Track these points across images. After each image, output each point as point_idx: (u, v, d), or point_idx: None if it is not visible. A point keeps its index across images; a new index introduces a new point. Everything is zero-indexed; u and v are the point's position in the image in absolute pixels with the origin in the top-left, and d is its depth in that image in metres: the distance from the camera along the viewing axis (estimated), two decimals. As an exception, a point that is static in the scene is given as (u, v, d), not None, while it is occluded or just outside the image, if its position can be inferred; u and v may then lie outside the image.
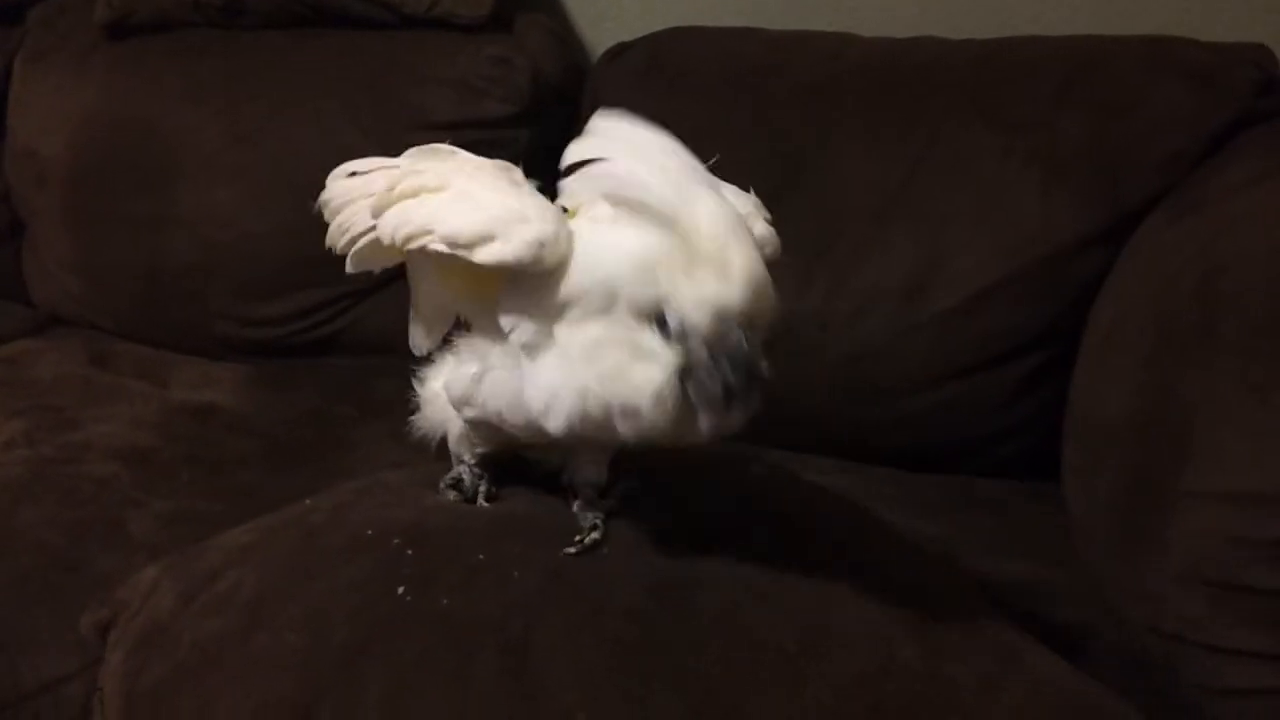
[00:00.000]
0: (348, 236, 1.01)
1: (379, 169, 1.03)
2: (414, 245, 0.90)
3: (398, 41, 1.87)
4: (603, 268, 0.84)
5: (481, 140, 1.77)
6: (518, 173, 0.97)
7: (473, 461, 1.05)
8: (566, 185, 0.87)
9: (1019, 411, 1.54)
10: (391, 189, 0.94)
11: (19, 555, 1.31)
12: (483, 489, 1.03)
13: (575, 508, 1.00)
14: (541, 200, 0.91)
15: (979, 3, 1.84)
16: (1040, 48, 1.64)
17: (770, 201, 1.61)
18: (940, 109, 1.61)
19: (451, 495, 1.03)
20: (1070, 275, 1.50)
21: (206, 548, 1.03)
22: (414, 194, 0.92)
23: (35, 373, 1.80)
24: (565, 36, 1.95)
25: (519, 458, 1.05)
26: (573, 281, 0.86)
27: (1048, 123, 1.55)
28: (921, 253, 1.56)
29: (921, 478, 1.55)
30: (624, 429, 0.84)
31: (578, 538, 0.95)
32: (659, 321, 0.82)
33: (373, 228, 0.96)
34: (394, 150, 1.75)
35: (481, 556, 0.90)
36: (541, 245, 0.85)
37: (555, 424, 0.87)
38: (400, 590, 0.88)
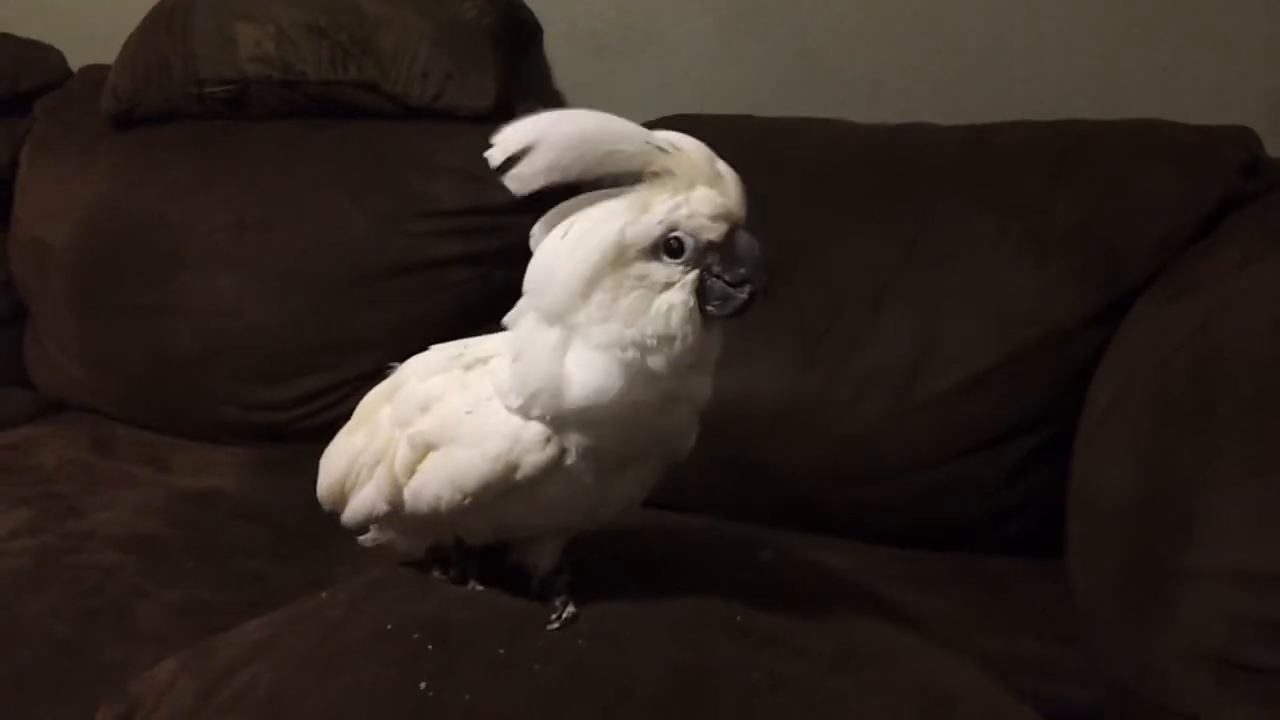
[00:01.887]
0: (365, 514, 1.08)
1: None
2: (451, 510, 0.97)
3: (403, 131, 1.91)
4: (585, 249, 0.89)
5: (485, 226, 1.81)
6: (468, 346, 1.02)
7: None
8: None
9: (1019, 490, 1.56)
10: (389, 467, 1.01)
11: (26, 646, 1.30)
12: (473, 570, 1.06)
13: (534, 588, 1.02)
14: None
15: (967, 89, 1.89)
16: (1029, 132, 1.68)
17: (768, 285, 1.64)
18: (934, 192, 1.64)
19: (436, 573, 1.07)
20: (1066, 355, 1.52)
21: (221, 643, 1.03)
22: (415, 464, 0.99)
23: (38, 459, 1.81)
24: (566, 124, 1.99)
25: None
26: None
27: (1040, 205, 1.58)
28: (919, 334, 1.58)
29: (925, 556, 1.56)
30: (656, 364, 0.89)
31: (554, 615, 0.98)
32: (669, 250, 0.88)
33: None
34: (399, 235, 1.81)
35: (502, 651, 0.91)
36: (547, 442, 0.92)
37: (598, 394, 0.89)
38: (422, 685, 0.88)
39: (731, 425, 1.61)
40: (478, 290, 1.83)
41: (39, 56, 2.30)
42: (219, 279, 1.89)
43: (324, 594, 1.06)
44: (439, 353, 1.04)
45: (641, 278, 0.88)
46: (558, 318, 0.90)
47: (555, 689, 0.87)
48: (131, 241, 1.97)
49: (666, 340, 0.88)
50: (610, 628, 0.96)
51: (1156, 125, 1.63)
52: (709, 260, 0.89)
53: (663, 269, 0.88)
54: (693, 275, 0.89)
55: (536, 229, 0.93)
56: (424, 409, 0.99)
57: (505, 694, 0.87)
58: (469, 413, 0.96)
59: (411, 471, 0.99)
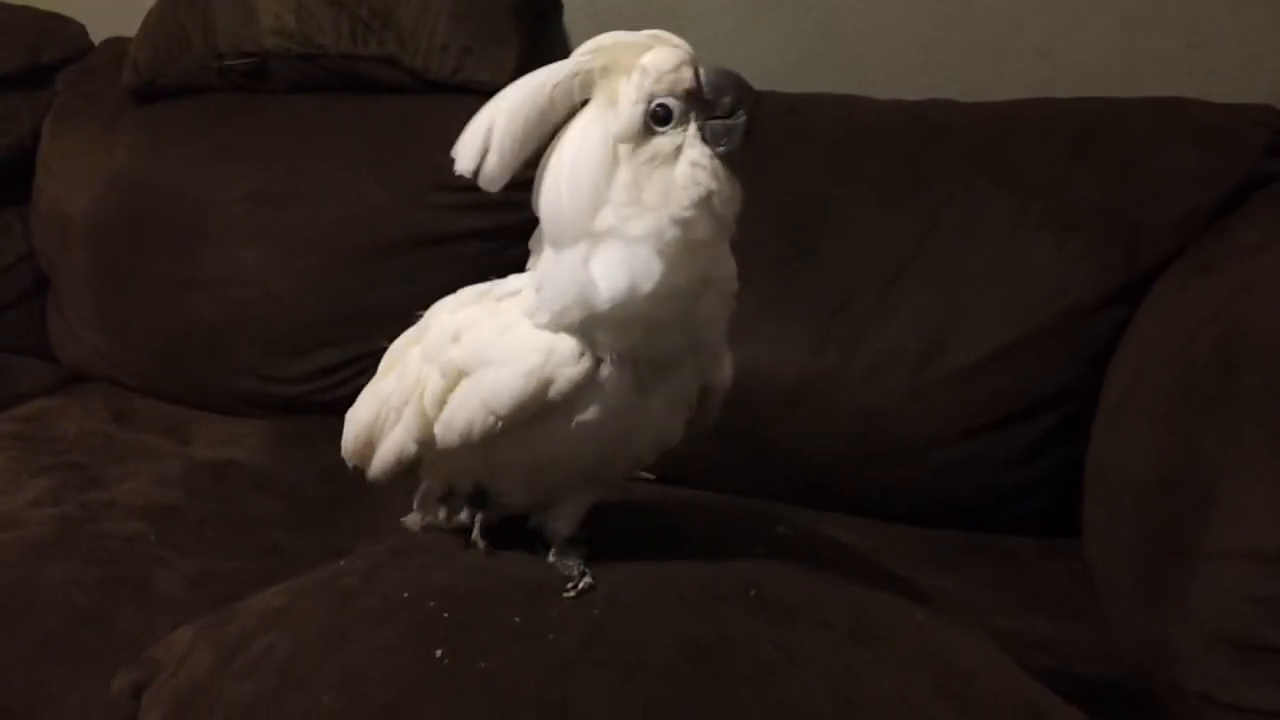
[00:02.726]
0: (394, 458, 1.05)
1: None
2: (483, 435, 0.96)
3: (421, 105, 1.90)
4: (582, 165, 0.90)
5: (503, 201, 1.78)
6: (496, 285, 1.03)
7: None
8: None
9: (1036, 469, 1.55)
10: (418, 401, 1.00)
11: (46, 614, 1.32)
12: (478, 520, 1.05)
13: (551, 556, 1.02)
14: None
15: (989, 65, 1.87)
16: (1051, 109, 1.67)
17: (785, 261, 1.64)
18: (953, 170, 1.64)
19: (457, 515, 1.07)
20: (1086, 334, 1.52)
21: (239, 610, 1.04)
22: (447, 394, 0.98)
23: (59, 430, 1.83)
24: (584, 97, 1.99)
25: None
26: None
27: (1061, 183, 1.57)
28: (937, 313, 1.58)
29: (941, 534, 1.56)
30: (703, 231, 0.89)
31: (570, 584, 0.97)
32: (657, 120, 0.89)
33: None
34: (418, 209, 1.81)
35: (518, 619, 0.91)
36: (581, 355, 0.92)
37: (631, 290, 0.89)
38: (438, 653, 0.88)
39: (747, 402, 1.60)
40: (495, 264, 1.81)
41: (60, 29, 2.30)
42: (239, 252, 1.90)
43: (341, 562, 1.06)
44: (468, 291, 1.04)
45: (651, 159, 0.89)
46: (577, 237, 0.90)
47: (570, 658, 0.88)
48: (152, 214, 1.97)
49: (704, 200, 0.89)
50: (626, 599, 0.96)
51: (1179, 103, 1.62)
52: (694, 110, 0.89)
53: (664, 139, 0.89)
54: (692, 128, 0.89)
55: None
56: (455, 339, 0.98)
57: (520, 662, 0.87)
58: (500, 334, 0.96)
59: (443, 402, 0.97)
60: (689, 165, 0.89)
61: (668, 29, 1.83)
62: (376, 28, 1.89)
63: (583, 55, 0.92)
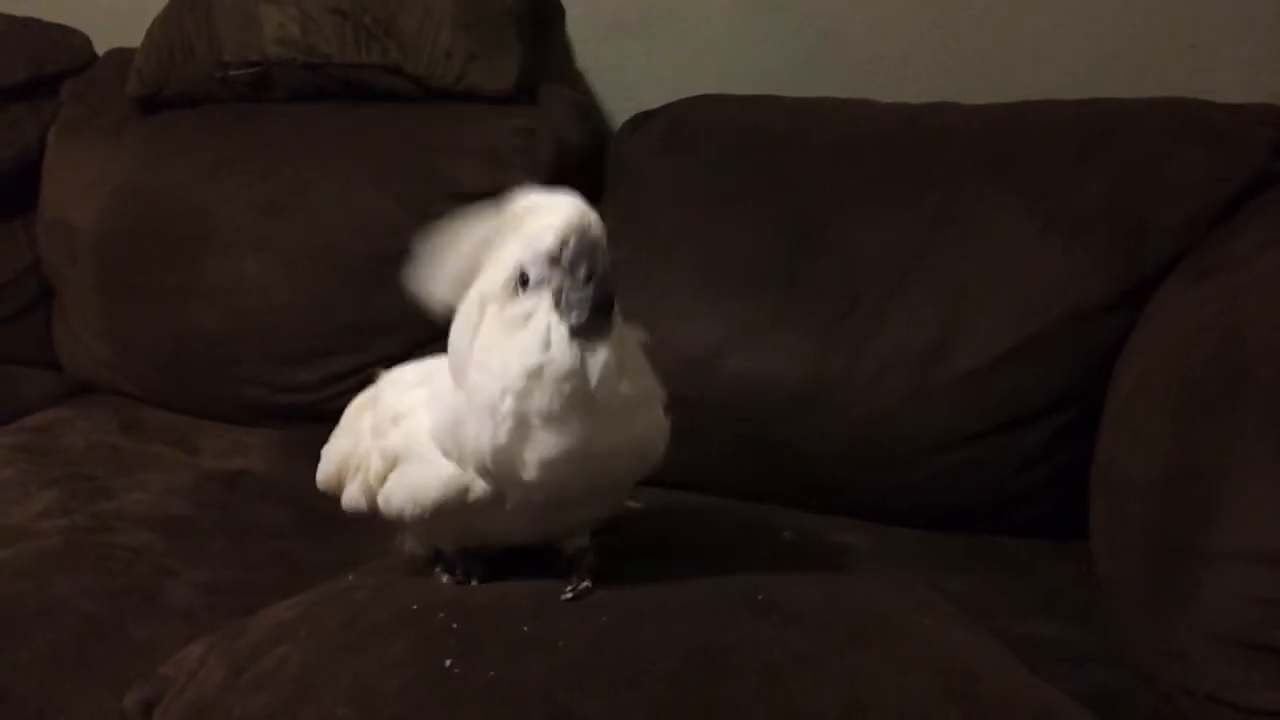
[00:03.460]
0: (354, 509, 1.14)
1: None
2: (414, 522, 1.03)
3: (425, 114, 1.91)
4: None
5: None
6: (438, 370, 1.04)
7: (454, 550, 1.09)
8: None
9: (1042, 472, 1.55)
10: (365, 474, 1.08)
11: (56, 625, 1.32)
12: (476, 571, 1.07)
13: (561, 565, 1.04)
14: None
15: (993, 68, 1.87)
16: (1056, 111, 1.67)
17: (790, 265, 1.65)
18: (958, 173, 1.63)
19: (445, 579, 1.07)
20: (1091, 337, 1.52)
21: (250, 624, 1.05)
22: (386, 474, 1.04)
23: (67, 440, 1.83)
24: (587, 107, 2.00)
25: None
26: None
27: (1066, 185, 1.57)
28: (942, 315, 1.57)
29: (945, 537, 1.56)
30: (540, 405, 0.90)
31: (568, 588, 1.00)
32: (522, 281, 0.91)
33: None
34: (422, 218, 1.80)
35: (526, 629, 0.92)
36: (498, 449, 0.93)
37: (495, 458, 0.92)
38: (448, 664, 0.89)
39: (752, 406, 1.62)
40: (500, 272, 1.83)
41: (65, 40, 2.31)
42: (243, 261, 1.90)
43: (351, 575, 1.07)
44: (416, 369, 1.10)
45: (509, 323, 0.91)
46: (458, 386, 0.94)
47: (578, 666, 0.88)
48: (157, 224, 1.98)
49: (534, 371, 0.89)
50: (633, 605, 0.96)
51: (1184, 104, 1.61)
52: (560, 282, 0.90)
53: (521, 303, 0.90)
54: (547, 297, 0.90)
55: None
56: (395, 422, 1.04)
57: (529, 672, 0.88)
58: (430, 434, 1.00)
59: (383, 480, 1.04)
60: (530, 334, 0.90)
61: (670, 35, 1.84)
62: (379, 36, 1.89)
63: (500, 212, 0.95)
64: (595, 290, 0.89)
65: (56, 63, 2.27)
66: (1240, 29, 1.76)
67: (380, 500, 1.04)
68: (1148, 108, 1.62)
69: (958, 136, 1.68)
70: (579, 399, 0.90)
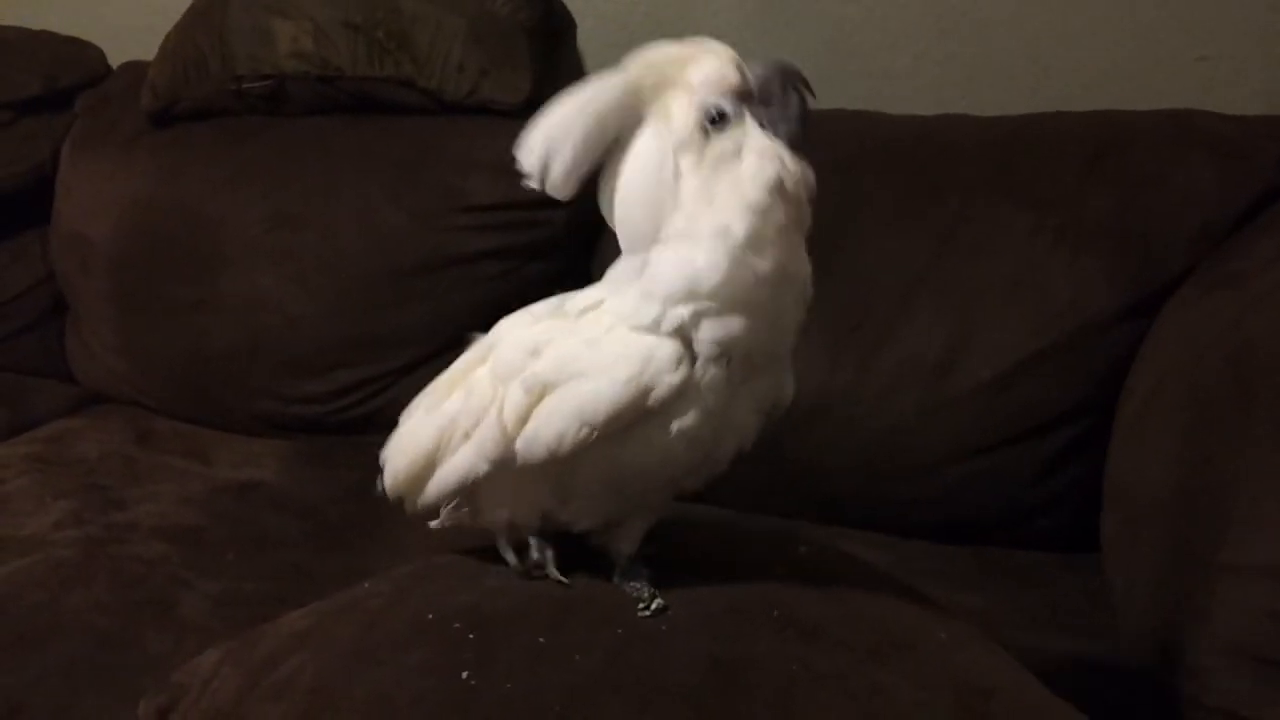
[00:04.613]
0: (458, 481, 1.02)
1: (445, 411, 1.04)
2: (575, 447, 0.94)
3: (438, 126, 1.92)
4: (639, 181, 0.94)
5: (519, 221, 1.83)
6: (567, 300, 1.02)
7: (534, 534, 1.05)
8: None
9: (1054, 484, 1.55)
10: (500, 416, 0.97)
11: (71, 637, 1.33)
12: (550, 556, 1.03)
13: (615, 578, 1.02)
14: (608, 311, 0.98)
15: (1003, 80, 1.88)
16: (1065, 124, 1.68)
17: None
18: (968, 185, 1.64)
19: (517, 568, 1.03)
20: (1102, 349, 1.52)
21: (264, 633, 1.04)
22: (530, 410, 0.96)
23: (81, 452, 1.84)
24: (599, 119, 2.00)
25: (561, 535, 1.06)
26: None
27: (1076, 198, 1.57)
28: (952, 328, 1.58)
29: (958, 550, 1.56)
30: (781, 217, 0.92)
31: (642, 605, 0.97)
32: (715, 123, 0.91)
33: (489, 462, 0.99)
34: (434, 231, 1.82)
35: (542, 640, 0.92)
36: (679, 360, 0.92)
37: (726, 272, 0.91)
38: (464, 675, 0.89)
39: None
40: (512, 284, 1.84)
41: (79, 53, 2.33)
42: (257, 274, 1.91)
43: (366, 584, 1.07)
44: (536, 308, 1.03)
45: (715, 163, 0.92)
46: (653, 245, 0.94)
47: (594, 679, 0.88)
48: (171, 237, 1.99)
49: (776, 185, 0.91)
50: (649, 620, 0.96)
51: (1193, 116, 1.62)
52: (746, 105, 0.92)
53: (724, 141, 0.91)
54: (749, 122, 0.92)
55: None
56: (535, 354, 0.96)
57: (545, 684, 0.88)
58: (590, 347, 0.95)
59: (524, 419, 0.95)
60: (754, 156, 0.91)
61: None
62: (393, 50, 1.90)
63: (633, 70, 0.94)
64: (800, 104, 0.93)
65: (71, 76, 2.28)
66: (1250, 42, 1.76)
67: (521, 444, 0.95)
68: (1157, 120, 1.63)
69: (968, 148, 1.68)
70: (803, 212, 0.95)
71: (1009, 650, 1.04)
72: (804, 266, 0.98)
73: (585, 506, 1.01)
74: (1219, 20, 1.77)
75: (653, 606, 0.97)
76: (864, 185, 1.70)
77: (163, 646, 1.30)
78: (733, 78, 0.92)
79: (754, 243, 0.91)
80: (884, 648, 0.95)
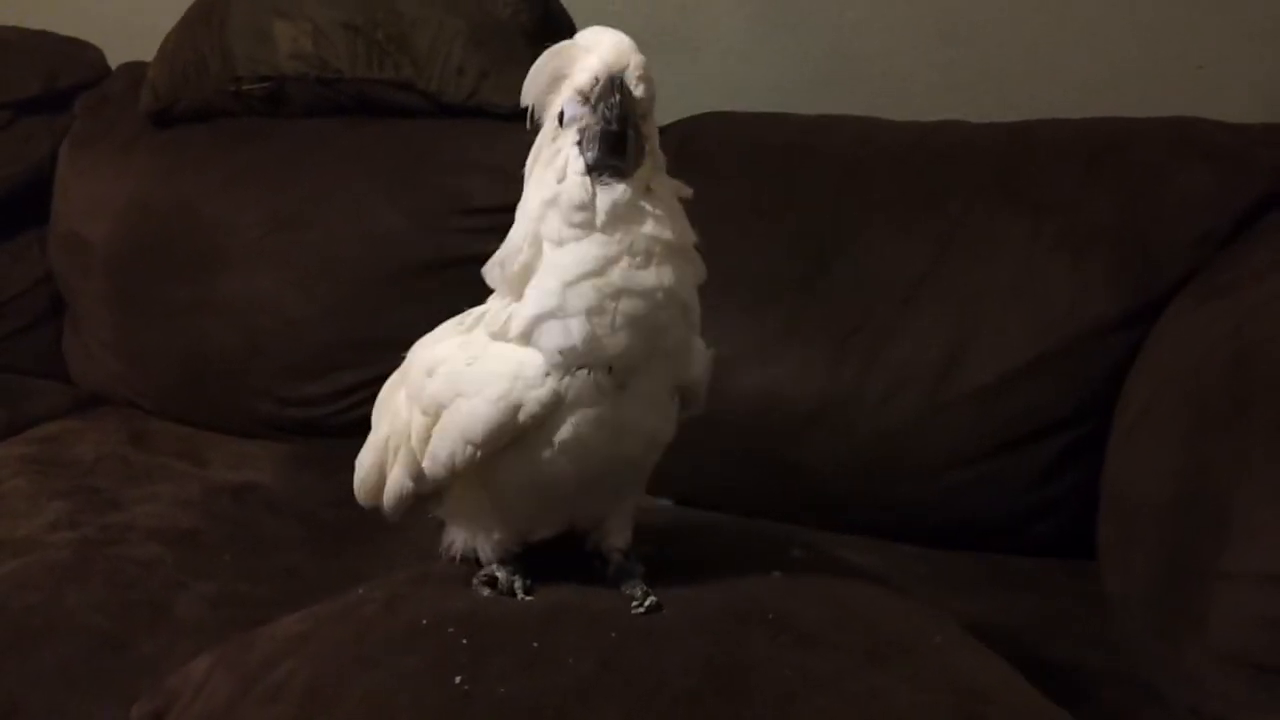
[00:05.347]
0: (397, 496, 1.07)
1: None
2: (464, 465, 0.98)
3: (437, 129, 1.92)
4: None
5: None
6: (466, 317, 1.05)
7: (498, 558, 1.05)
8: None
9: (1051, 490, 1.55)
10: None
11: (65, 638, 1.32)
12: (518, 583, 1.03)
13: (610, 573, 1.02)
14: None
15: (1003, 86, 1.88)
16: (1064, 129, 1.68)
17: (801, 282, 1.65)
18: (968, 191, 1.64)
19: (486, 592, 1.03)
20: (1101, 354, 1.52)
21: (258, 637, 1.04)
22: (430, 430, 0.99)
23: (77, 453, 1.83)
24: (600, 123, 2.00)
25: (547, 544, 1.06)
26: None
27: (1075, 204, 1.58)
28: (951, 332, 1.58)
29: (954, 556, 1.56)
30: (553, 233, 0.92)
31: (635, 602, 0.98)
32: (561, 123, 0.92)
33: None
34: (434, 233, 1.82)
35: (536, 644, 0.92)
36: (545, 374, 0.93)
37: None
38: (458, 679, 0.89)
39: (762, 423, 1.62)
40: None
41: (78, 53, 2.33)
42: (255, 275, 1.91)
43: (360, 589, 1.07)
44: (444, 326, 1.06)
45: (545, 161, 0.94)
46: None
47: (588, 683, 0.88)
48: (169, 238, 1.99)
49: (549, 201, 0.91)
50: (641, 622, 0.96)
51: (1193, 123, 1.62)
52: (584, 110, 0.91)
53: (556, 141, 0.93)
54: (572, 132, 0.91)
55: None
56: (430, 374, 1.00)
57: (539, 688, 0.88)
58: (469, 365, 0.97)
59: (427, 439, 0.99)
60: (552, 169, 0.92)
61: (682, 53, 1.85)
62: (392, 52, 1.90)
63: (542, 60, 0.96)
64: (606, 127, 0.89)
65: (70, 76, 2.28)
66: (1248, 50, 1.76)
67: (426, 463, 0.99)
68: (1155, 127, 1.63)
69: (967, 154, 1.68)
70: (586, 231, 0.91)
71: (1005, 656, 1.04)
72: (647, 277, 0.92)
73: (530, 513, 1.03)
74: (1218, 29, 1.78)
75: (646, 604, 0.98)
76: (864, 190, 1.70)
77: (157, 648, 1.30)
78: (581, 81, 0.91)
79: (535, 251, 0.92)
80: (880, 652, 0.95)
